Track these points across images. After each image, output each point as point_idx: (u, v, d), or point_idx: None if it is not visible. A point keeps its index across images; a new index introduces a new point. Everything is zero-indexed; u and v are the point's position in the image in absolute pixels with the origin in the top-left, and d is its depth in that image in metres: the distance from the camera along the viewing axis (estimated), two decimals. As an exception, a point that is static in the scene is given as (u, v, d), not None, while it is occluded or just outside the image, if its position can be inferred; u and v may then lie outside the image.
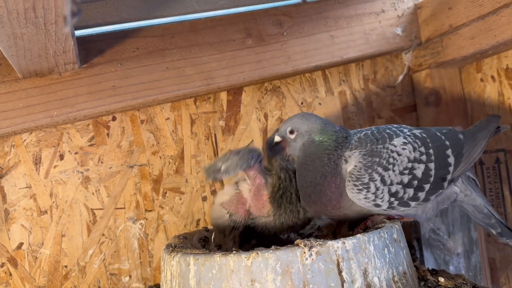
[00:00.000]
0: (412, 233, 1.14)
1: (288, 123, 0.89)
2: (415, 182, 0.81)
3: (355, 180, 0.80)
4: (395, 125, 0.89)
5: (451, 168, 0.84)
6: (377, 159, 0.81)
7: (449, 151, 0.85)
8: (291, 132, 0.88)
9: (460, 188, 0.91)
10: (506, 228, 0.96)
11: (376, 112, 1.28)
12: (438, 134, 0.87)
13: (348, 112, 1.27)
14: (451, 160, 0.85)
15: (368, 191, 0.79)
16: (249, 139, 1.18)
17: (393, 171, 0.80)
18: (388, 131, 0.86)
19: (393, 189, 0.80)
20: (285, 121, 0.91)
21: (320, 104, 1.25)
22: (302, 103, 1.23)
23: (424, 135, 0.86)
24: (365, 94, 1.28)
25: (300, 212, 0.91)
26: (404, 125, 0.90)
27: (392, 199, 0.80)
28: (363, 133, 0.86)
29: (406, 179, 0.81)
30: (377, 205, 0.80)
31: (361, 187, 0.80)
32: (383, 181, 0.80)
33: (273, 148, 0.93)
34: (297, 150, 0.88)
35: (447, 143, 0.86)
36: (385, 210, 0.82)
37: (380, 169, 0.80)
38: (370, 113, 1.28)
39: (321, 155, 0.84)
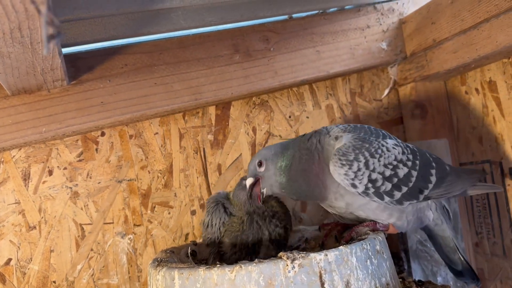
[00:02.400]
0: (400, 244, 1.15)
1: (253, 160, 0.91)
2: (395, 179, 0.84)
3: (341, 154, 0.83)
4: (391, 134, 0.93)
5: (430, 185, 0.87)
6: (367, 145, 0.84)
7: (433, 171, 0.88)
8: (260, 164, 0.89)
9: (433, 215, 0.94)
10: (468, 267, 0.98)
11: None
12: (428, 155, 0.91)
13: (336, 125, 1.28)
14: (433, 179, 0.88)
15: (350, 169, 0.82)
16: (238, 153, 1.19)
17: (379, 160, 0.83)
18: (383, 132, 0.91)
19: (373, 176, 0.82)
20: (250, 161, 0.93)
21: (307, 117, 1.26)
22: (290, 117, 1.25)
23: (415, 149, 0.90)
24: (352, 107, 1.30)
25: (260, 254, 0.91)
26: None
27: (370, 185, 0.82)
28: (359, 125, 0.91)
29: (388, 172, 0.84)
30: (354, 185, 0.82)
31: (344, 163, 0.82)
32: (366, 165, 0.82)
33: (252, 196, 0.92)
34: (272, 178, 0.89)
35: (434, 164, 0.90)
36: (360, 193, 0.83)
37: (367, 154, 0.83)
38: (357, 126, 1.30)
39: (296, 159, 0.86)
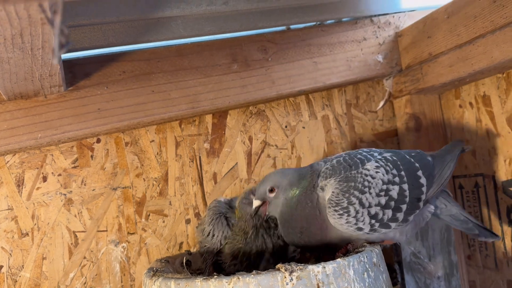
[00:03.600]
0: (394, 256, 1.16)
1: (266, 182, 0.90)
2: (392, 203, 0.84)
3: (334, 205, 0.82)
4: (365, 149, 0.92)
5: (424, 189, 0.87)
6: (353, 184, 0.83)
7: (419, 172, 0.88)
8: (271, 190, 0.89)
9: (434, 205, 0.95)
10: (483, 228, 1.01)
11: (359, 136, 1.31)
12: (407, 157, 0.91)
13: (331, 135, 1.29)
14: (423, 181, 0.88)
15: (348, 215, 0.81)
16: (234, 161, 1.19)
17: (370, 193, 0.83)
18: (359, 156, 0.89)
19: (373, 211, 0.82)
20: (261, 182, 0.92)
21: (303, 127, 1.27)
22: (286, 127, 1.25)
23: (395, 157, 0.89)
24: (347, 118, 1.31)
25: (260, 267, 0.91)
26: (374, 149, 0.93)
27: (373, 221, 0.82)
28: (335, 160, 0.89)
29: (383, 200, 0.83)
30: (360, 229, 0.82)
31: (341, 212, 0.82)
32: (361, 204, 0.82)
33: (255, 215, 0.93)
34: (279, 206, 0.89)
35: (417, 165, 0.90)
36: (368, 233, 0.83)
37: (357, 193, 0.83)
38: (352, 137, 1.30)
39: (302, 202, 0.86)
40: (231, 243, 0.91)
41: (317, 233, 0.85)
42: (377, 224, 0.83)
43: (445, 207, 0.97)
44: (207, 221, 0.96)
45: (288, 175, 0.90)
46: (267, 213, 0.91)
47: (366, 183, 0.83)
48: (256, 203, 0.90)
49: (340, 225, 0.82)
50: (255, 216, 0.91)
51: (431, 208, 0.93)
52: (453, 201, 0.99)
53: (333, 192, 0.84)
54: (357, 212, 0.81)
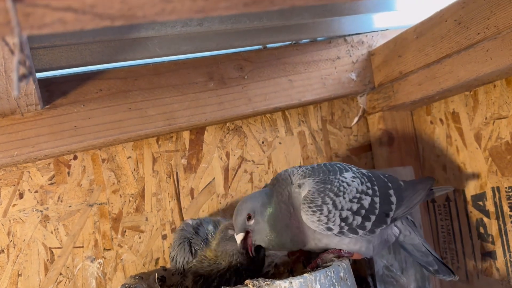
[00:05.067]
0: (367, 269, 1.18)
1: (241, 212, 0.89)
2: (363, 211, 0.88)
3: (309, 202, 0.86)
4: (344, 163, 0.96)
5: (393, 206, 0.91)
6: (329, 186, 0.88)
7: (391, 191, 0.93)
8: (249, 218, 0.88)
9: (400, 229, 0.97)
10: (443, 264, 1.03)
11: (334, 151, 1.34)
12: (382, 176, 0.95)
13: (307, 151, 1.32)
14: (393, 199, 0.92)
15: (321, 213, 0.85)
16: (211, 177, 1.21)
17: (344, 198, 0.87)
18: (339, 165, 0.94)
19: (344, 214, 0.86)
20: (236, 214, 0.90)
21: (280, 143, 1.30)
22: (263, 142, 1.28)
23: (370, 174, 0.95)
24: (323, 134, 1.34)
25: None
26: (352, 165, 0.97)
27: (343, 223, 0.86)
28: (315, 165, 0.94)
29: (355, 207, 0.88)
30: (329, 229, 0.86)
31: (315, 209, 0.85)
32: (334, 205, 0.86)
33: (244, 250, 0.90)
34: (262, 231, 0.87)
35: (390, 185, 0.94)
36: (336, 234, 0.87)
37: (332, 195, 0.87)
38: (328, 152, 1.34)
39: (280, 214, 0.88)
40: (194, 270, 0.91)
41: (296, 232, 0.88)
42: (346, 228, 0.86)
43: (409, 234, 1.00)
44: (172, 246, 0.96)
45: (256, 197, 0.91)
46: (253, 243, 0.88)
47: (341, 188, 0.88)
48: (239, 237, 0.88)
49: (311, 222, 0.86)
50: (242, 254, 0.90)
51: (396, 230, 0.97)
52: (417, 230, 1.03)
53: (309, 190, 0.87)
54: (329, 212, 0.85)
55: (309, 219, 0.86)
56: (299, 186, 0.89)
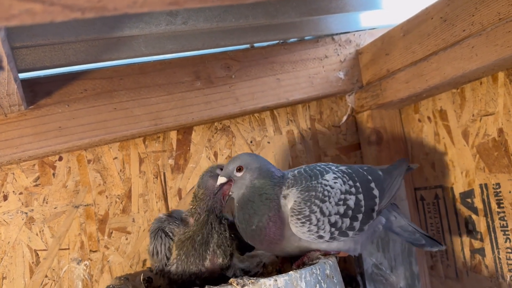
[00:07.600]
0: (356, 268, 1.18)
1: (236, 161, 0.90)
2: (350, 212, 0.88)
3: (297, 214, 0.85)
4: (323, 164, 0.96)
5: (377, 200, 0.92)
6: (314, 193, 0.86)
7: (372, 184, 0.93)
8: (239, 169, 0.88)
9: (385, 217, 0.99)
10: (429, 238, 1.06)
11: (323, 150, 1.34)
12: (361, 170, 0.96)
13: (296, 150, 1.31)
14: (376, 192, 0.93)
15: (310, 223, 0.84)
16: (199, 177, 1.20)
17: (330, 202, 0.87)
18: (318, 168, 0.93)
19: (332, 219, 0.86)
20: (231, 160, 0.91)
21: (269, 142, 1.29)
22: (251, 142, 1.27)
23: (350, 170, 0.94)
24: (311, 133, 1.34)
25: (207, 260, 0.91)
26: (330, 163, 0.97)
27: (333, 229, 0.86)
28: (296, 171, 0.92)
29: (342, 209, 0.87)
30: (321, 237, 0.85)
31: (303, 220, 0.84)
32: (322, 212, 0.85)
33: (217, 193, 0.91)
34: (242, 188, 0.88)
35: (370, 177, 0.94)
36: (327, 241, 0.86)
37: (318, 202, 0.86)
38: (317, 151, 1.33)
39: (262, 195, 0.87)
40: (180, 242, 0.91)
41: (274, 240, 0.86)
42: (336, 232, 0.86)
43: (395, 219, 1.02)
44: (149, 243, 0.96)
45: (261, 161, 0.90)
46: (229, 193, 0.89)
47: (326, 193, 0.87)
48: (221, 179, 0.89)
49: (302, 233, 0.85)
50: (214, 196, 0.91)
51: (383, 220, 0.97)
52: (402, 213, 1.04)
53: (295, 201, 0.86)
54: (318, 220, 0.84)
55: (300, 231, 0.85)
56: (285, 197, 0.87)
